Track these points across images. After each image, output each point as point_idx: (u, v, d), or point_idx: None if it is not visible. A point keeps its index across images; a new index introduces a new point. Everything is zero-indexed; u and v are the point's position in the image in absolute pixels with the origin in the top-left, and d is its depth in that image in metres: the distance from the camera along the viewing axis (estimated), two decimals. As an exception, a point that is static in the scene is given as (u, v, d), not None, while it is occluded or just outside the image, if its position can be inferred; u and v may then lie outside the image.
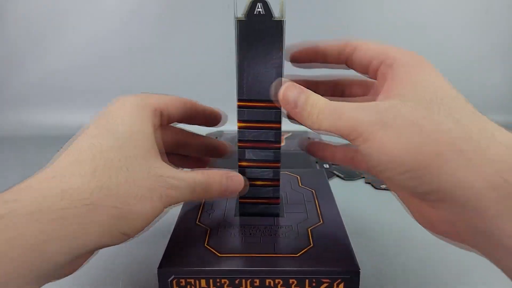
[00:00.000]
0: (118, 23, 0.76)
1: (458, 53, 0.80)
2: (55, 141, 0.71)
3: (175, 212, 0.39)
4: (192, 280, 0.30)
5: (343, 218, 0.37)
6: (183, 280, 0.31)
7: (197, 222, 0.37)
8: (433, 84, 0.26)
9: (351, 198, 0.48)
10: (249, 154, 0.36)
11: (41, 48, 0.77)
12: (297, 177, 0.46)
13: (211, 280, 0.30)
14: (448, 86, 0.26)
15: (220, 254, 0.32)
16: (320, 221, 0.37)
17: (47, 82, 0.78)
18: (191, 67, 0.78)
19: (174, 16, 0.76)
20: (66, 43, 0.77)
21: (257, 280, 0.31)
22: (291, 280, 0.31)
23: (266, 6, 0.31)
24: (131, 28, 0.76)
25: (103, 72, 0.78)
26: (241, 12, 0.32)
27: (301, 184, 0.45)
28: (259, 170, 0.37)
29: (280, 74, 0.33)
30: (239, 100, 0.34)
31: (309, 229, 0.36)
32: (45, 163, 0.60)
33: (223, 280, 0.31)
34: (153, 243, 0.39)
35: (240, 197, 0.38)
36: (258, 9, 0.31)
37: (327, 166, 0.57)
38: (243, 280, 0.31)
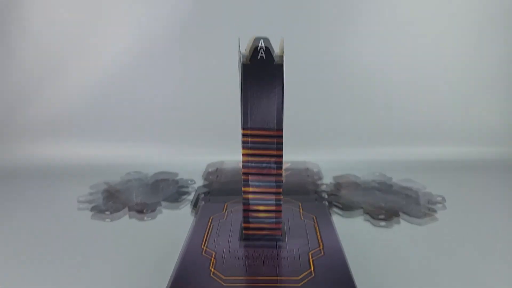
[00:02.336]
0: (126, 62, 0.80)
1: (452, 89, 0.83)
2: (60, 174, 0.74)
3: (181, 236, 0.41)
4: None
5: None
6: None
7: (202, 246, 0.38)
8: None
9: (350, 231, 0.50)
10: (252, 181, 0.38)
11: (50, 83, 0.80)
12: (299, 205, 0.48)
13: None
14: None
15: (225, 276, 0.33)
16: (320, 247, 0.39)
17: (54, 116, 0.81)
18: (197, 102, 0.82)
19: (180, 54, 0.80)
20: (74, 80, 0.80)
21: (260, 303, 0.32)
22: (292, 303, 0.32)
23: (268, 52, 0.34)
24: (138, 67, 0.80)
25: (109, 108, 0.82)
26: (245, 57, 0.35)
27: (303, 212, 0.47)
28: (262, 198, 0.39)
29: (281, 104, 0.36)
30: (243, 129, 0.37)
31: (310, 254, 0.37)
32: (52, 195, 0.60)
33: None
34: (159, 267, 0.41)
35: (244, 224, 0.40)
36: (261, 55, 0.34)
37: (326, 197, 0.59)
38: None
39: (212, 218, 0.44)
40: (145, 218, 0.54)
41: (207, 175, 0.70)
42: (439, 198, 0.59)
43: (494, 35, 0.81)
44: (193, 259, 0.36)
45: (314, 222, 0.44)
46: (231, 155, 0.78)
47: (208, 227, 0.42)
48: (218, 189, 0.63)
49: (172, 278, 0.33)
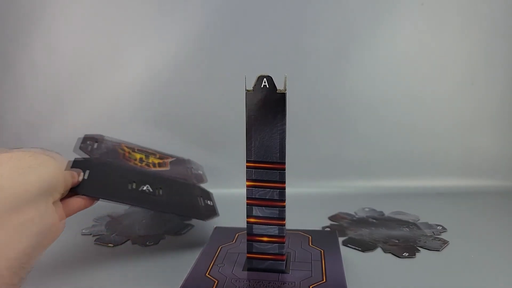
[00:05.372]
0: (129, 96, 0.83)
1: (449, 121, 0.85)
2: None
3: (187, 262, 0.41)
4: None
5: None
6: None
7: (207, 274, 0.39)
8: None
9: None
10: (256, 211, 0.39)
11: (57, 115, 0.83)
12: (309, 237, 0.48)
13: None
14: None
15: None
16: (323, 280, 0.38)
17: (58, 149, 0.83)
18: (204, 133, 0.84)
19: (185, 85, 0.83)
20: (78, 113, 0.83)
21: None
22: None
23: (271, 81, 0.36)
24: (142, 101, 0.83)
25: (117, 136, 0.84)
26: (250, 86, 0.37)
27: (311, 244, 0.46)
28: (265, 226, 0.39)
29: (283, 138, 0.38)
30: (247, 161, 0.38)
31: (311, 287, 0.37)
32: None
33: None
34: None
35: (248, 253, 0.40)
36: (264, 83, 0.36)
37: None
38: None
39: (221, 248, 0.45)
40: (147, 243, 0.55)
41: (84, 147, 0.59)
42: (439, 228, 0.59)
43: (493, 65, 0.83)
44: (195, 286, 0.36)
45: (321, 255, 0.44)
46: (236, 188, 0.79)
47: (216, 255, 0.43)
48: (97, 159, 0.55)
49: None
